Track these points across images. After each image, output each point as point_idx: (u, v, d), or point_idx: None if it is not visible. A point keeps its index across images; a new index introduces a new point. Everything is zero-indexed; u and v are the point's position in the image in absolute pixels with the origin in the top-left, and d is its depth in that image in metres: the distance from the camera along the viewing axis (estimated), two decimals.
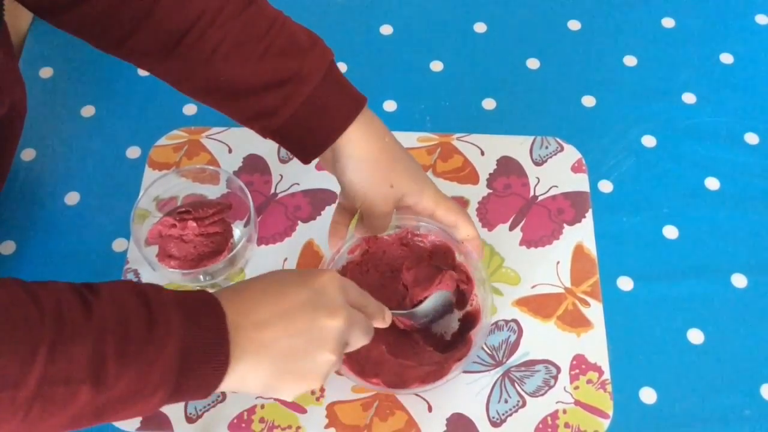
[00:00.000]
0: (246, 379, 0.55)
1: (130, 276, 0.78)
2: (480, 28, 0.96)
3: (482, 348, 0.74)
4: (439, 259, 0.75)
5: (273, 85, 0.64)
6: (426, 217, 0.72)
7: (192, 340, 0.52)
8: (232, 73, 0.64)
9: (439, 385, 0.68)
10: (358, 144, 0.67)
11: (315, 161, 0.69)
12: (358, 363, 0.70)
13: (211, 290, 0.70)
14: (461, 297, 0.75)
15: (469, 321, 0.74)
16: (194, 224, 0.72)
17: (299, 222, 0.81)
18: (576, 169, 0.85)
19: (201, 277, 0.72)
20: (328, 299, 0.58)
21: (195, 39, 0.63)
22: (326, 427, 0.71)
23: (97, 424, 0.52)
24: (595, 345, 0.75)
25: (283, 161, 0.85)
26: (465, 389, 0.71)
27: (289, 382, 0.57)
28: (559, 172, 0.85)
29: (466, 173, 0.84)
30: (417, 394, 0.72)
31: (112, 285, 0.53)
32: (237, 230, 0.76)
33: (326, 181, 0.83)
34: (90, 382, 0.49)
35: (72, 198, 0.83)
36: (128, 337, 0.50)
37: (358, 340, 0.60)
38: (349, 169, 0.67)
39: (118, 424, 0.71)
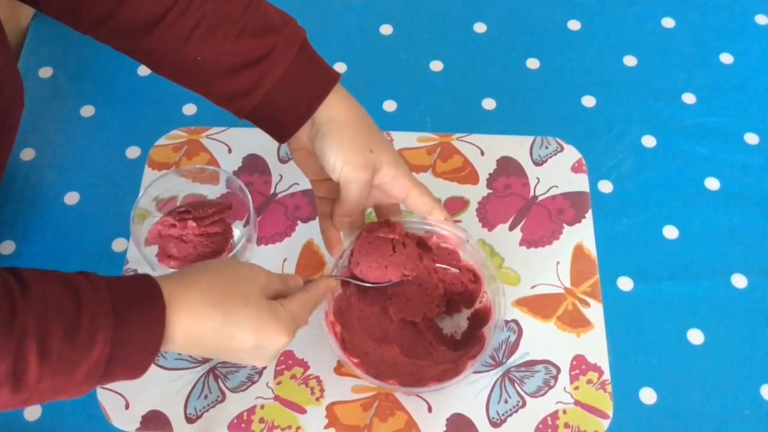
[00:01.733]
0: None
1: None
2: (480, 28, 0.96)
3: None
4: (444, 260, 0.76)
5: (247, 65, 0.66)
6: (399, 201, 0.71)
7: (121, 340, 0.54)
8: (208, 54, 0.66)
9: (457, 382, 0.68)
10: (338, 110, 0.67)
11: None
12: (373, 366, 0.70)
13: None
14: (469, 296, 0.75)
15: (479, 318, 0.74)
16: (194, 224, 0.72)
17: (299, 222, 0.81)
18: (576, 169, 0.85)
19: None
20: (266, 354, 0.61)
21: (173, 21, 0.65)
22: (326, 427, 0.71)
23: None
24: (595, 345, 0.75)
25: (282, 161, 0.85)
26: (465, 389, 0.71)
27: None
28: (559, 172, 0.84)
29: (466, 173, 0.84)
30: (418, 395, 0.72)
31: (44, 281, 0.53)
32: (237, 230, 0.76)
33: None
34: (9, 385, 0.50)
35: (72, 198, 0.83)
36: (50, 342, 0.51)
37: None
38: (331, 133, 0.67)
39: (118, 424, 0.71)
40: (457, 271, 0.76)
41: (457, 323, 0.75)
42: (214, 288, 0.59)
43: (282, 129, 0.69)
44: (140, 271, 0.78)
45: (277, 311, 0.60)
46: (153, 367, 0.72)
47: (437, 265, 0.76)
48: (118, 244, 0.80)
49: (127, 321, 0.54)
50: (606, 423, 0.71)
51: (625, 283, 0.78)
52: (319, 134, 0.67)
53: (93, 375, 0.53)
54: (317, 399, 0.72)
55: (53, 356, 0.51)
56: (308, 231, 0.81)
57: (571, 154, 0.86)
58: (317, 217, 0.73)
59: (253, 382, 0.73)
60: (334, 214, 0.70)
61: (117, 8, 0.65)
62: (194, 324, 0.57)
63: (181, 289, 0.57)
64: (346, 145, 0.67)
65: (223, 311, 0.58)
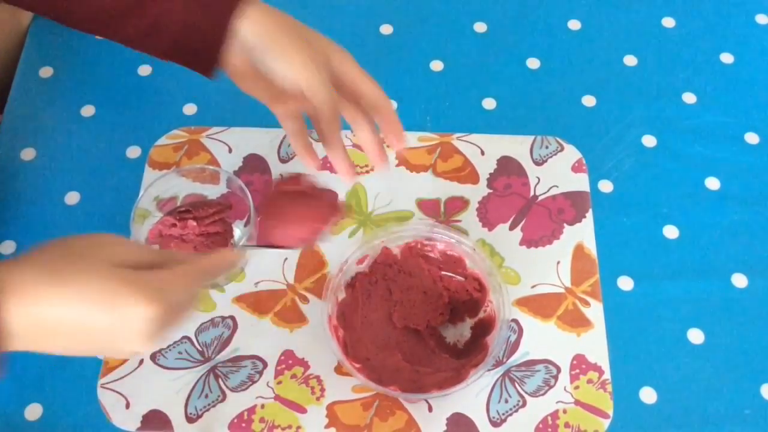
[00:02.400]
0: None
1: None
2: (480, 28, 0.96)
3: None
4: (450, 268, 0.76)
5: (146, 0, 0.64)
6: (349, 86, 0.67)
7: None
8: None
9: (459, 389, 0.68)
10: (263, 23, 0.64)
11: None
12: (375, 371, 0.70)
13: (211, 290, 0.70)
14: (474, 305, 0.75)
15: (483, 328, 0.74)
16: (194, 224, 0.72)
17: None
18: (576, 168, 0.85)
19: None
20: (130, 332, 0.51)
21: None
22: (326, 426, 0.71)
23: None
24: (595, 345, 0.75)
25: (283, 161, 0.85)
26: (465, 389, 0.71)
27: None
28: (559, 172, 0.85)
29: (467, 173, 0.84)
30: None
31: None
32: (237, 230, 0.76)
33: (326, 181, 0.83)
34: None
35: (72, 198, 0.83)
36: None
37: (187, 315, 0.56)
38: (269, 47, 0.63)
39: (118, 423, 0.71)
40: (462, 279, 0.76)
41: (460, 332, 0.75)
42: (52, 262, 0.51)
43: (205, 58, 0.66)
44: None
45: (128, 277, 0.51)
46: (153, 367, 0.73)
47: (443, 273, 0.76)
48: None
49: None
50: (606, 423, 0.71)
51: (625, 283, 0.78)
52: (257, 52, 0.64)
53: None
54: (318, 399, 0.72)
55: None
56: None
57: (572, 153, 0.86)
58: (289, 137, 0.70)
59: (254, 382, 0.73)
60: (325, 133, 0.66)
61: None
62: (33, 306, 0.49)
63: (12, 268, 0.50)
64: (290, 51, 0.63)
65: (62, 285, 0.50)
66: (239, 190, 0.74)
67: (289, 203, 0.67)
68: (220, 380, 0.73)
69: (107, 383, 0.72)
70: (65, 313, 0.50)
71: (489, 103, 0.90)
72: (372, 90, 0.67)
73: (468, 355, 0.72)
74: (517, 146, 0.86)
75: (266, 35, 0.64)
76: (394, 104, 0.89)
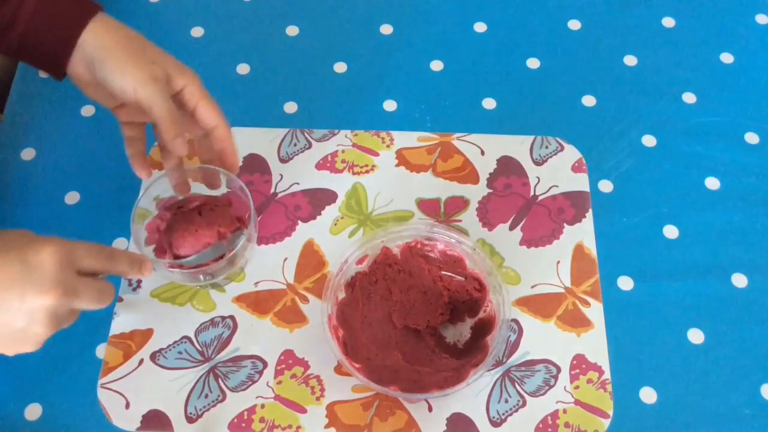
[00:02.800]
0: None
1: (130, 276, 0.77)
2: (480, 28, 0.96)
3: None
4: (450, 268, 0.76)
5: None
6: (189, 111, 0.70)
7: None
8: None
9: (459, 389, 0.68)
10: (104, 36, 0.67)
11: None
12: (375, 371, 0.70)
13: (211, 290, 0.70)
14: (474, 305, 0.75)
15: (483, 328, 0.74)
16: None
17: (299, 222, 0.81)
18: (576, 168, 0.85)
19: (201, 276, 0.72)
20: (41, 275, 0.57)
21: None
22: (326, 426, 0.71)
23: None
24: (595, 345, 0.75)
25: (283, 161, 0.85)
26: (465, 389, 0.71)
27: None
28: (559, 172, 0.85)
29: (467, 173, 0.84)
30: None
31: None
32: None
33: (326, 181, 0.84)
34: None
35: (72, 198, 0.83)
36: None
37: (90, 306, 0.61)
38: (106, 59, 0.66)
39: (118, 423, 0.71)
40: (462, 279, 0.76)
41: (460, 332, 0.75)
42: None
43: (51, 64, 0.68)
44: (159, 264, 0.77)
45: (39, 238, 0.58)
46: (153, 367, 0.73)
47: (443, 273, 0.76)
48: (118, 244, 0.80)
49: None
50: (606, 422, 0.71)
51: (625, 283, 0.78)
52: (96, 64, 0.67)
53: None
54: (318, 398, 0.72)
55: None
56: (308, 231, 0.81)
57: (572, 153, 0.86)
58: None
59: (254, 382, 0.73)
60: (164, 141, 0.69)
61: None
62: None
63: None
64: (126, 66, 0.66)
65: None
66: (239, 190, 0.74)
67: (190, 216, 0.73)
68: (220, 380, 0.73)
69: (107, 383, 0.73)
70: None
71: (489, 103, 0.90)
72: (209, 113, 0.70)
73: (468, 355, 0.72)
74: (517, 146, 0.86)
75: (106, 49, 0.67)
76: (394, 105, 0.89)
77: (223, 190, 0.76)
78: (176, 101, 0.69)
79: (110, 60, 0.66)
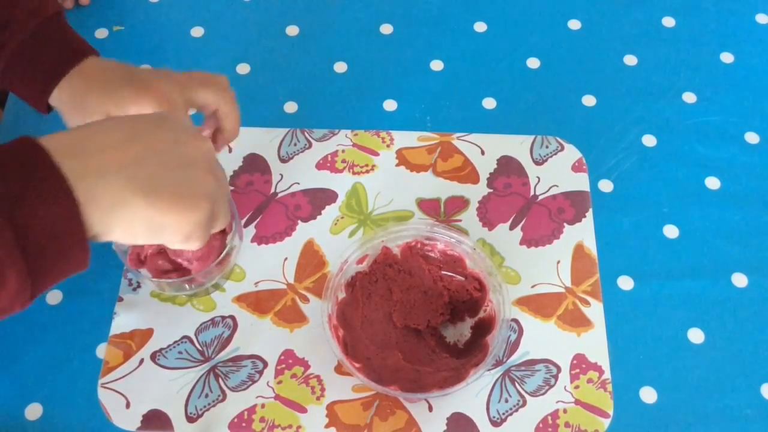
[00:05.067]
0: (118, 211, 0.48)
1: (130, 276, 0.78)
2: (480, 27, 0.96)
3: None
4: (450, 268, 0.76)
5: None
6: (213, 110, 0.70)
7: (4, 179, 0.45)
8: None
9: (459, 389, 0.68)
10: (95, 69, 0.65)
11: None
12: (375, 371, 0.70)
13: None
14: (474, 305, 0.75)
15: (483, 328, 0.74)
16: None
17: (299, 222, 0.81)
18: (576, 168, 0.85)
19: (186, 286, 0.72)
20: (181, 124, 0.54)
21: None
22: (326, 426, 0.71)
23: None
24: (595, 344, 0.75)
25: (283, 161, 0.85)
26: (465, 389, 0.71)
27: (174, 201, 0.50)
28: (559, 172, 0.85)
29: (467, 173, 0.85)
30: None
31: None
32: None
33: (326, 181, 0.84)
34: None
35: None
36: None
37: (222, 175, 0.56)
38: (86, 108, 0.65)
39: (118, 423, 0.71)
40: (462, 279, 0.76)
41: (460, 332, 0.75)
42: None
43: (35, 102, 0.67)
44: (141, 270, 0.77)
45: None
46: (153, 367, 0.73)
47: (443, 272, 0.76)
48: (118, 244, 0.80)
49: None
50: (606, 422, 0.71)
51: (625, 283, 0.78)
52: (76, 102, 0.65)
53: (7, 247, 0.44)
54: (318, 398, 0.72)
55: None
56: (308, 231, 0.81)
57: (572, 153, 0.86)
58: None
59: (254, 382, 0.73)
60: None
61: None
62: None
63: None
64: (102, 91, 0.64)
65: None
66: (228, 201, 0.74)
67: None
68: (220, 380, 0.73)
69: (107, 383, 0.73)
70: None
71: (489, 103, 0.90)
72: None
73: (468, 355, 0.72)
74: (517, 146, 0.86)
75: (90, 78, 0.65)
76: (394, 104, 0.89)
77: None
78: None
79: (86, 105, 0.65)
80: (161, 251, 0.72)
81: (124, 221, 0.49)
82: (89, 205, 0.47)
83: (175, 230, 0.51)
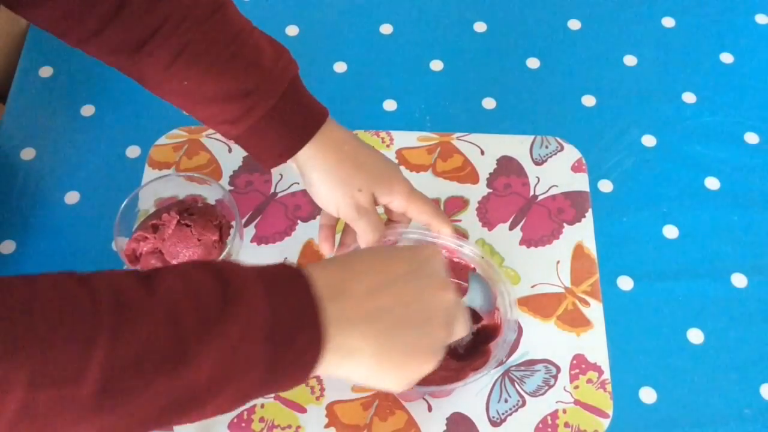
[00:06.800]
0: (350, 357, 0.50)
1: None
2: (480, 27, 0.96)
3: None
4: (455, 275, 0.75)
5: (235, 96, 0.64)
6: (402, 215, 0.71)
7: (278, 310, 0.47)
8: (192, 82, 0.65)
9: (456, 387, 0.68)
10: (315, 159, 0.67)
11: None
12: None
13: None
14: (476, 311, 0.74)
15: (486, 335, 0.73)
16: (174, 219, 0.73)
17: (299, 221, 0.81)
18: (576, 168, 0.85)
19: None
20: (433, 271, 0.55)
21: (159, 43, 0.63)
22: (326, 426, 0.71)
23: (187, 421, 0.47)
24: (595, 345, 0.75)
25: None
26: (465, 389, 0.71)
27: (400, 359, 0.52)
28: (559, 172, 0.85)
29: (466, 173, 0.85)
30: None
31: (167, 267, 0.49)
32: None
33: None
34: (164, 366, 0.43)
35: (72, 197, 0.83)
36: (203, 312, 0.45)
37: (461, 327, 0.56)
38: (313, 184, 0.68)
39: None
40: (466, 285, 0.75)
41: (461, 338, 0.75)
42: None
43: (266, 161, 0.69)
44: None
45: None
46: None
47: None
48: (118, 244, 0.80)
49: (277, 290, 0.48)
50: (606, 422, 0.71)
51: (625, 283, 0.78)
52: (305, 180, 0.69)
53: (257, 351, 0.46)
54: (317, 398, 0.72)
55: (209, 323, 0.45)
56: (308, 230, 0.81)
57: (571, 153, 0.86)
58: (318, 217, 0.73)
59: None
60: (344, 235, 0.73)
61: (105, 26, 0.63)
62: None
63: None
64: (331, 195, 0.68)
65: None
66: (228, 201, 0.74)
67: (184, 235, 0.73)
68: None
69: None
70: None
71: (489, 103, 0.90)
72: (420, 216, 0.70)
73: (468, 359, 0.72)
74: (517, 146, 0.86)
75: (315, 171, 0.68)
76: (394, 104, 0.90)
77: (218, 195, 0.76)
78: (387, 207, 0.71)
79: (317, 184, 0.68)
80: (156, 250, 0.72)
81: (348, 368, 0.51)
82: (331, 351, 0.49)
83: (392, 384, 0.53)
